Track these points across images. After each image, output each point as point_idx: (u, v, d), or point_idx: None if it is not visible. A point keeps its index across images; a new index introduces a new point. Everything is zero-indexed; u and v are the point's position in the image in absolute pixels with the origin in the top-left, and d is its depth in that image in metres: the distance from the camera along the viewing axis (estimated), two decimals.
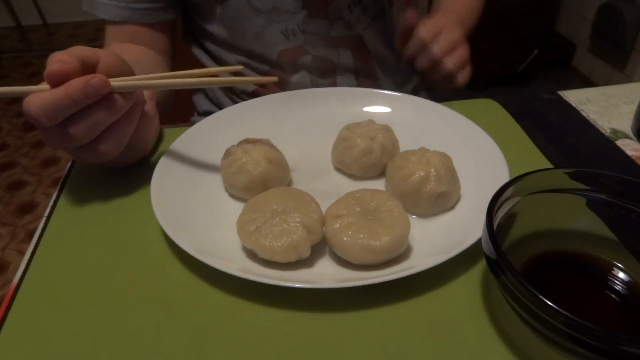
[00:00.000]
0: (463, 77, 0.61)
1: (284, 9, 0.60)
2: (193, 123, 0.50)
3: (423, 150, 0.42)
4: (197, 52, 0.70)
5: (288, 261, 0.34)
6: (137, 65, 0.45)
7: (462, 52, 0.60)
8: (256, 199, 0.38)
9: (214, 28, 0.64)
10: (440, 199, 0.39)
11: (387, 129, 0.46)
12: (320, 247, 0.37)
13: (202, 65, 0.70)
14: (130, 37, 0.60)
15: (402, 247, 0.35)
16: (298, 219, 0.35)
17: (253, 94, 0.67)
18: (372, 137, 0.45)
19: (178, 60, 0.67)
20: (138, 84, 0.39)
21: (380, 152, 0.44)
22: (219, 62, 0.67)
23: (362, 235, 0.34)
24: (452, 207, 0.41)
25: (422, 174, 0.39)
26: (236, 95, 0.70)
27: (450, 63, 0.59)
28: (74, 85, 0.35)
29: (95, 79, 0.35)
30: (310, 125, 0.52)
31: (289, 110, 0.53)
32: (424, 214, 0.40)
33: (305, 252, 0.35)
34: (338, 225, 0.35)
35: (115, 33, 0.60)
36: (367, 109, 0.53)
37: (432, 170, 0.39)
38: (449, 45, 0.59)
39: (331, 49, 0.64)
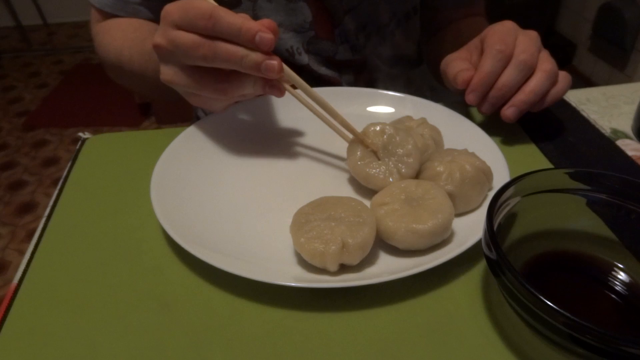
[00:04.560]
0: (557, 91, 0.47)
1: (291, 26, 0.59)
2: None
3: (464, 153, 0.41)
4: None
5: (312, 264, 0.34)
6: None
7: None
8: (327, 199, 0.38)
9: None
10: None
11: (426, 124, 0.46)
12: None
13: None
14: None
15: (447, 232, 0.36)
16: (342, 233, 0.34)
17: None
18: (422, 134, 0.44)
19: None
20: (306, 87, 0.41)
21: (435, 146, 0.44)
22: None
23: (406, 220, 0.35)
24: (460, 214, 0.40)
25: (440, 169, 0.40)
26: None
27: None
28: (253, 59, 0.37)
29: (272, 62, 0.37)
30: (313, 124, 0.52)
31: (291, 110, 0.53)
32: None
33: (331, 266, 0.34)
34: (383, 211, 0.36)
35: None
36: (370, 108, 0.54)
37: (445, 169, 0.39)
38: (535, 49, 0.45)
39: (334, 70, 0.64)
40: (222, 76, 0.40)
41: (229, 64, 0.37)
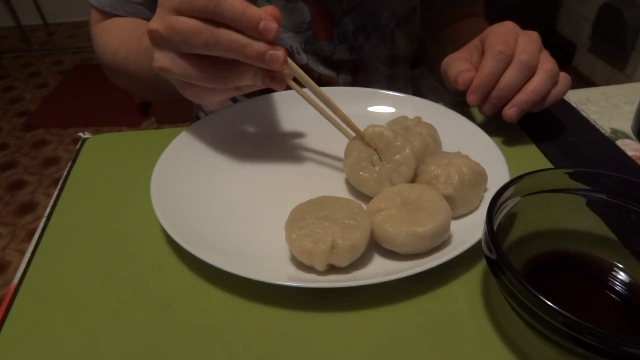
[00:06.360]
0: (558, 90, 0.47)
1: (290, 26, 0.59)
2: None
3: (459, 156, 0.41)
4: None
5: (300, 260, 0.35)
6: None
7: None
8: (327, 198, 0.38)
9: None
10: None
11: (422, 123, 0.46)
12: None
13: None
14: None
15: (447, 233, 0.35)
16: (333, 234, 0.34)
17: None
18: (420, 133, 0.44)
19: None
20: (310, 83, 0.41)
21: (434, 144, 0.44)
22: None
23: (406, 224, 0.34)
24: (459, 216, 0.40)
25: (438, 172, 0.39)
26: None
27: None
28: (255, 48, 0.35)
29: (277, 53, 0.36)
30: (314, 124, 0.52)
31: (291, 109, 0.53)
32: None
33: (318, 266, 0.34)
34: (381, 217, 0.35)
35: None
36: (371, 108, 0.54)
37: (442, 172, 0.39)
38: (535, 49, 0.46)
39: (332, 70, 0.64)
40: (220, 64, 0.38)
41: (231, 53, 0.36)
